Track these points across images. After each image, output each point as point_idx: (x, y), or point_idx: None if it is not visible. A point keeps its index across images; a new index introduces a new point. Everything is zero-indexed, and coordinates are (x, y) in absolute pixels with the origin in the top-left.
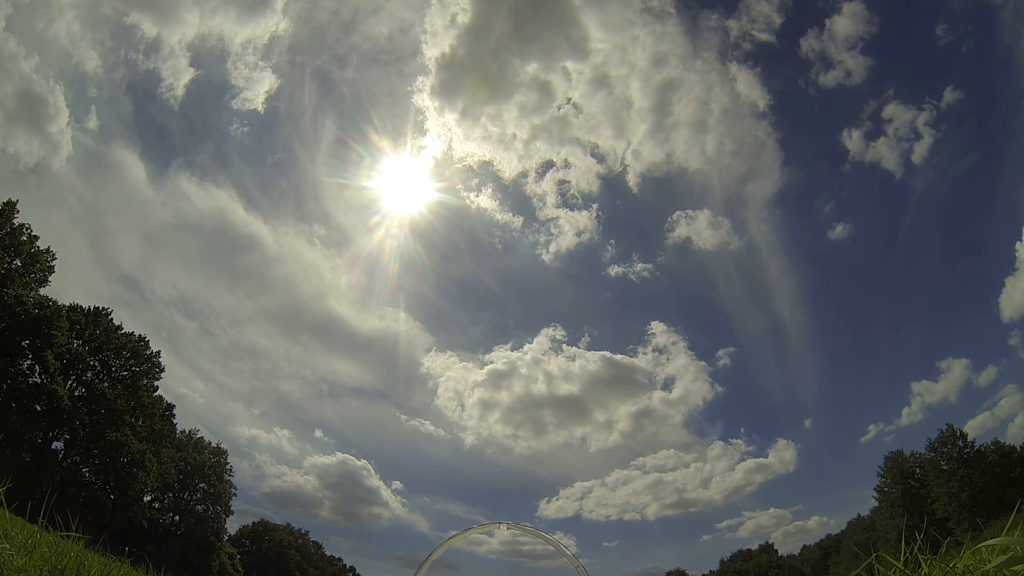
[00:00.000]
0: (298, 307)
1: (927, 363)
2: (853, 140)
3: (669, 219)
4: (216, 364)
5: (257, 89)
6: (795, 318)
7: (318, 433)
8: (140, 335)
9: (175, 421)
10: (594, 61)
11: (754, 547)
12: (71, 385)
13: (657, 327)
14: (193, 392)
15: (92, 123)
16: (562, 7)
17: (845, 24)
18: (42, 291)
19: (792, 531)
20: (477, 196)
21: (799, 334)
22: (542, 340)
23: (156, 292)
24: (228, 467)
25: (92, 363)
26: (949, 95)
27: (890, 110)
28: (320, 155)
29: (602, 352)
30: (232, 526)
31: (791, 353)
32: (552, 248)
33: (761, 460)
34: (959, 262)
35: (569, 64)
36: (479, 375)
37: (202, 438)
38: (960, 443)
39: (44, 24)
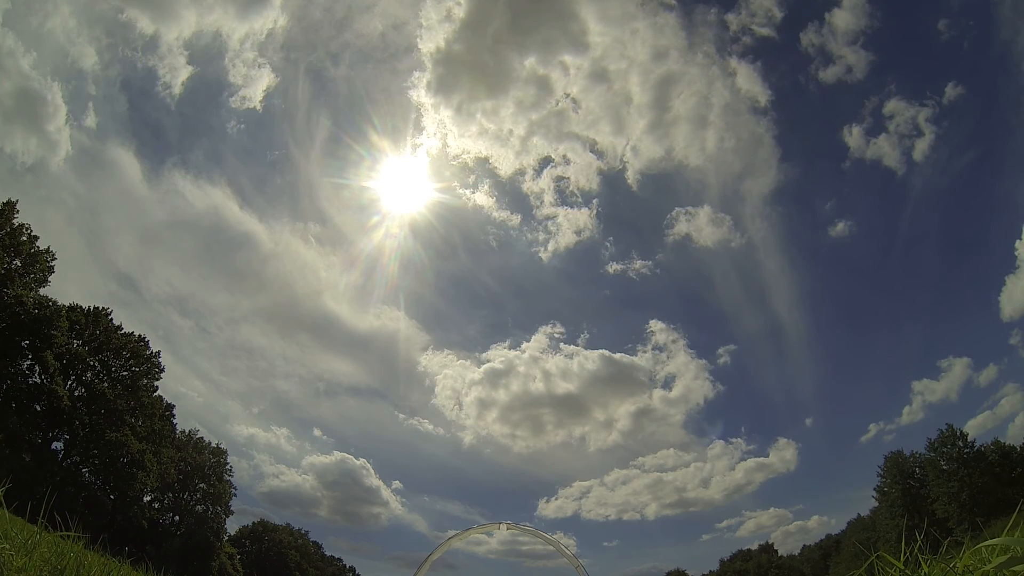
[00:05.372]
0: (294, 306)
1: (928, 362)
2: (854, 136)
3: (668, 216)
4: (213, 363)
5: (255, 87)
6: (795, 316)
7: (316, 432)
8: (140, 335)
9: (175, 421)
10: (593, 55)
11: (754, 547)
12: (71, 385)
13: (656, 325)
14: (191, 391)
15: (90, 121)
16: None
17: (846, 18)
18: (42, 291)
19: (792, 531)
20: (473, 193)
21: (799, 332)
22: (540, 338)
23: (152, 290)
24: (228, 467)
25: (92, 363)
26: (951, 91)
27: (891, 106)
28: (315, 153)
29: (601, 350)
30: (231, 526)
31: (791, 351)
32: (551, 246)
33: (762, 459)
34: (960, 260)
35: (567, 58)
36: (476, 374)
37: (202, 438)
38: (960, 443)
39: (40, 20)
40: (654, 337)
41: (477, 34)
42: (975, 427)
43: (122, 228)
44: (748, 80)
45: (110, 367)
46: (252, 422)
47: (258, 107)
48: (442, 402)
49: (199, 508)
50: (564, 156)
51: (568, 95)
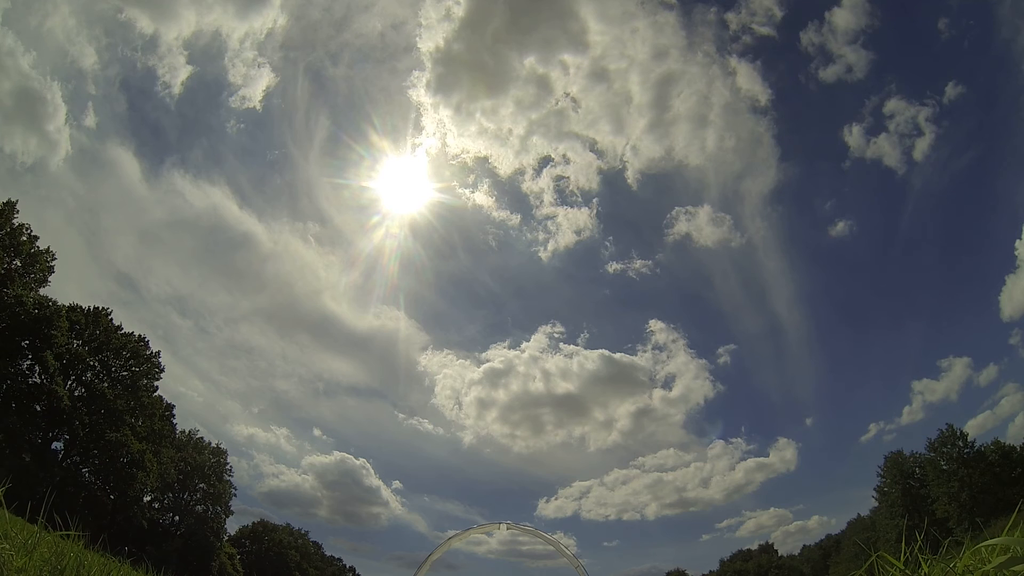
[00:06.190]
0: (293, 305)
1: (928, 361)
2: (854, 136)
3: (668, 216)
4: (212, 363)
5: (254, 87)
6: (795, 316)
7: (316, 432)
8: (140, 335)
9: (175, 421)
10: (593, 54)
11: (754, 547)
12: (71, 385)
13: (656, 325)
14: (191, 391)
15: (90, 120)
16: None
17: (846, 17)
18: (42, 291)
19: (792, 531)
20: (473, 193)
21: (799, 332)
22: (540, 338)
23: (151, 290)
24: (228, 467)
25: (92, 363)
26: (951, 91)
27: (891, 105)
28: (314, 153)
29: (601, 350)
30: (231, 526)
31: (791, 351)
32: (550, 246)
33: (762, 459)
34: (960, 260)
35: (567, 57)
36: (476, 373)
37: (202, 438)
38: (960, 443)
39: (40, 19)
40: (654, 337)
41: (476, 33)
42: (975, 427)
43: (122, 228)
44: (748, 79)
45: (110, 367)
46: (252, 422)
47: (257, 107)
48: (442, 402)
49: (199, 508)
50: (564, 155)
51: (568, 94)
